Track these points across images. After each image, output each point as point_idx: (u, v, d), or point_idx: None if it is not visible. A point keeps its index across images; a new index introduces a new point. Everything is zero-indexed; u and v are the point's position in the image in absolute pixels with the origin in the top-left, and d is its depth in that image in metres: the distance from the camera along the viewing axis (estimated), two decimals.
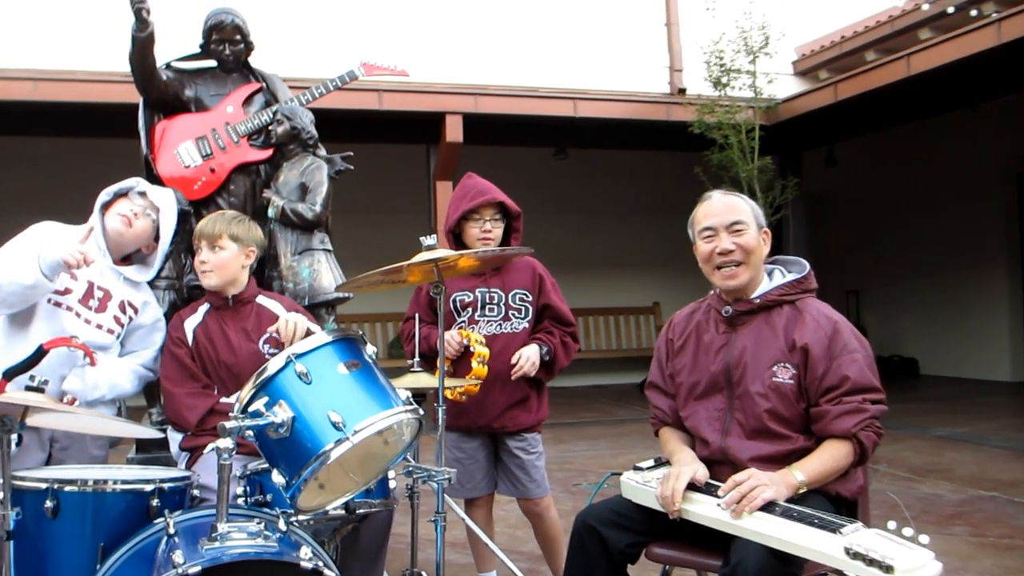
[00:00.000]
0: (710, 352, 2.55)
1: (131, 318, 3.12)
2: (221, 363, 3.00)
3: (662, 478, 2.40)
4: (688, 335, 2.64)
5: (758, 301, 2.49)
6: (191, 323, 3.08)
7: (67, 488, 2.33)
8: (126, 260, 3.23)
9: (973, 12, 7.64)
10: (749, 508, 2.17)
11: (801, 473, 2.29)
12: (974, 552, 4.13)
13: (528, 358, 3.21)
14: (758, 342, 2.46)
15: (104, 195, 3.15)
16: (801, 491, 2.27)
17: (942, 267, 11.20)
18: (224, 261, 3.06)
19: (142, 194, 3.19)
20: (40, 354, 2.76)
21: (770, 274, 2.57)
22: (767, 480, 2.22)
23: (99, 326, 3.02)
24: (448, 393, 3.17)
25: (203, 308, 3.13)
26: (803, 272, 2.55)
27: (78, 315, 2.97)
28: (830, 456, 2.33)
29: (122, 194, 3.18)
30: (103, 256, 3.09)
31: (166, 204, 3.25)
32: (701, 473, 2.37)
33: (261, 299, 3.18)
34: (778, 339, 2.44)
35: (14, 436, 2.51)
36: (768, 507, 2.18)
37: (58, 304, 2.95)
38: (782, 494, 2.22)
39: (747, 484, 2.21)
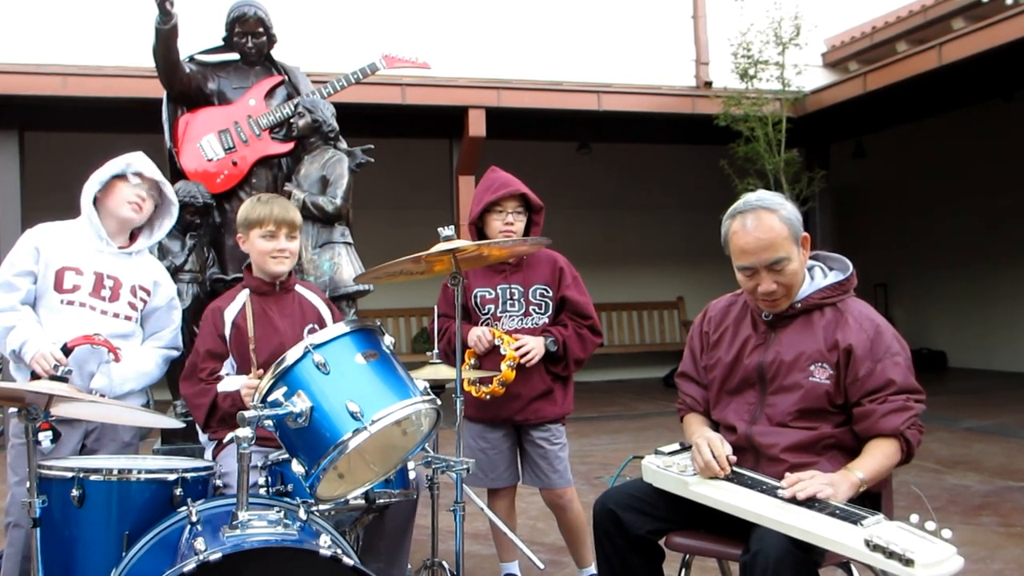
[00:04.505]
0: (746, 349, 2.53)
1: (144, 300, 3.11)
2: (266, 347, 2.87)
3: (692, 454, 2.40)
4: (724, 329, 2.61)
5: (799, 306, 2.45)
6: (231, 312, 2.99)
7: (92, 477, 2.38)
8: (131, 236, 3.18)
9: (1008, 0, 7.51)
10: (802, 494, 2.15)
11: (860, 471, 2.27)
12: (1002, 542, 4.10)
13: (532, 345, 3.20)
14: (797, 343, 2.44)
15: (96, 185, 3.04)
16: (862, 489, 2.25)
17: (971, 260, 11.05)
18: (297, 249, 3.08)
19: (138, 174, 3.09)
20: (65, 353, 2.79)
21: (810, 270, 2.51)
22: (828, 480, 2.20)
23: (116, 315, 3.01)
24: (472, 390, 3.18)
25: (242, 295, 3.03)
26: (846, 273, 2.49)
27: (92, 308, 2.97)
28: (883, 454, 2.33)
29: (118, 177, 3.06)
30: (106, 245, 3.05)
31: (160, 174, 3.17)
32: (724, 446, 2.37)
33: (298, 287, 3.16)
34: (817, 340, 2.41)
35: (49, 433, 2.57)
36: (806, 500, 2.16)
37: (70, 303, 2.94)
38: (843, 493, 2.19)
39: (811, 481, 2.19)
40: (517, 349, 3.18)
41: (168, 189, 3.22)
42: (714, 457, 2.35)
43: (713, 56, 9.19)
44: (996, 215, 10.62)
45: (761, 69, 7.90)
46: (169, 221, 3.25)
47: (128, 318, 3.05)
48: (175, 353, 3.24)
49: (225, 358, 2.97)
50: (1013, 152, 10.11)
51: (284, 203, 3.09)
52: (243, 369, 2.94)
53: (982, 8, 8.02)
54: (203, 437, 3.05)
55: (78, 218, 3.08)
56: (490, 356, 3.23)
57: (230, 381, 2.90)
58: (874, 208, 12.18)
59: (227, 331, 2.97)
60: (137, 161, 3.11)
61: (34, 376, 2.78)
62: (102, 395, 2.93)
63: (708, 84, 9.12)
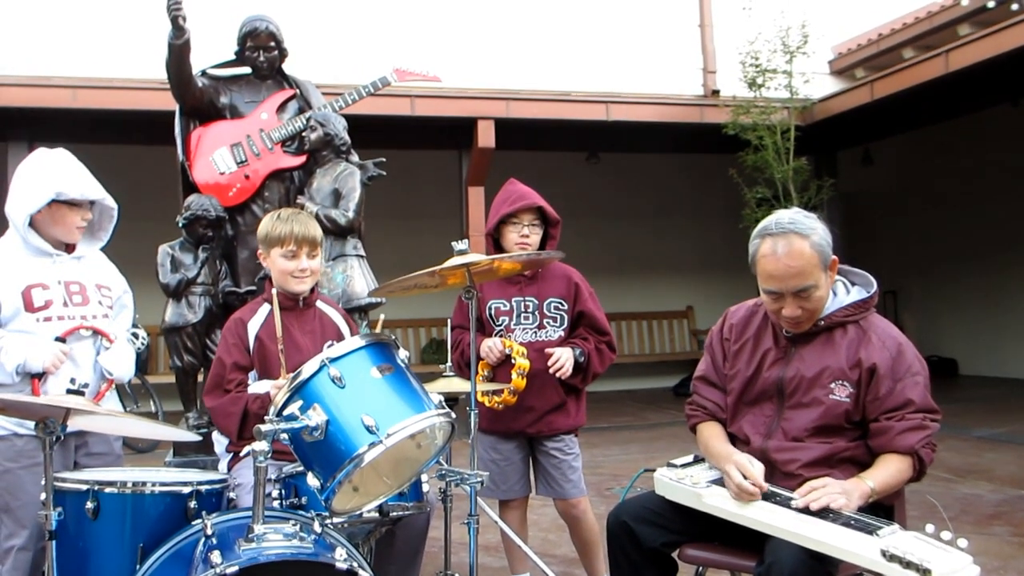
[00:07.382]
0: (766, 362, 2.52)
1: (109, 296, 3.03)
2: (287, 362, 2.83)
3: (726, 477, 2.35)
4: (745, 341, 2.59)
5: (822, 323, 2.45)
6: (254, 325, 2.98)
7: (107, 490, 2.39)
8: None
9: (1014, 6, 7.50)
10: (816, 504, 2.16)
11: (872, 481, 2.28)
12: (1015, 552, 4.08)
13: (565, 356, 3.21)
14: (818, 359, 2.43)
15: (33, 208, 2.83)
16: (872, 499, 2.26)
17: (981, 266, 11.01)
18: (318, 267, 3.02)
19: (92, 203, 2.98)
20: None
21: (834, 287, 2.50)
22: (840, 489, 2.22)
23: (95, 316, 2.94)
24: (485, 401, 3.19)
25: (264, 308, 3.00)
26: (870, 291, 2.49)
27: (71, 319, 2.89)
28: (896, 469, 2.33)
29: (63, 201, 2.87)
30: (57, 256, 2.91)
31: (95, 186, 2.98)
32: (758, 468, 2.34)
33: (318, 303, 3.13)
34: (839, 357, 2.41)
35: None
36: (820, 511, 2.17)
37: (47, 319, 2.84)
38: (854, 501, 2.20)
39: (824, 491, 2.20)
40: (553, 362, 3.18)
41: (104, 196, 2.99)
42: (746, 480, 2.31)
43: (721, 65, 9.19)
44: (1006, 221, 10.58)
45: (769, 78, 7.90)
46: (110, 223, 3.09)
47: (105, 316, 2.99)
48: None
49: (250, 370, 2.95)
50: (1022, 157, 10.08)
51: (305, 220, 3.01)
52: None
53: (988, 14, 8.00)
54: (220, 449, 3.04)
55: (6, 236, 2.91)
56: (503, 367, 3.24)
57: (258, 385, 2.89)
58: (882, 215, 12.15)
59: (251, 343, 2.95)
60: (75, 183, 2.88)
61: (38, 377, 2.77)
62: (110, 380, 2.93)
63: (716, 93, 9.12)
